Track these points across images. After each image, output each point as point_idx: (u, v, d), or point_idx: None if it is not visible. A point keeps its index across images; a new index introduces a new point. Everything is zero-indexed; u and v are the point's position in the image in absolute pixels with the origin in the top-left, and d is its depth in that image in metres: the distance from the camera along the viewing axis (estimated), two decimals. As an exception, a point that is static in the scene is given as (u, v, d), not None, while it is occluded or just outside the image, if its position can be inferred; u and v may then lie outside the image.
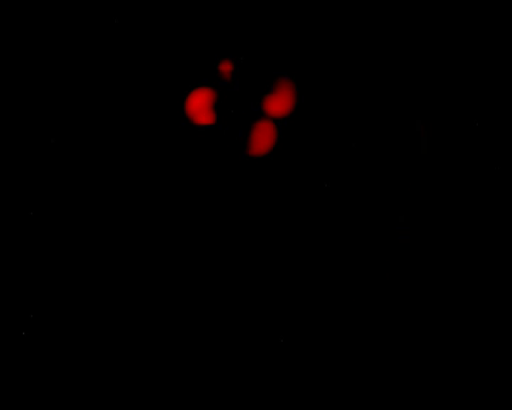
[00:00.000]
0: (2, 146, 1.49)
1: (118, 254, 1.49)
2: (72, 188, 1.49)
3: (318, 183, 1.51)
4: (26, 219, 1.48)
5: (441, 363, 1.47)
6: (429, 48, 1.51)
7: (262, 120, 1.47)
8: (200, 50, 1.52)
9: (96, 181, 1.50)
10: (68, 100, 1.50)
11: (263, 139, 1.46)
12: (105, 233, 1.49)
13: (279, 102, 1.46)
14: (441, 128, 1.50)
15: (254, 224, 1.51)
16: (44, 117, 1.50)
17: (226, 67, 1.37)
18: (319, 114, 1.52)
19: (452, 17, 1.51)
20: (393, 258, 1.50)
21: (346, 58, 1.52)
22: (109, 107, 1.51)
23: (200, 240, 1.50)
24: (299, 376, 1.47)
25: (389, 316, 1.49)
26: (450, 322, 1.47)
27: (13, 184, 1.48)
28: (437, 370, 1.47)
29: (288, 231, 1.51)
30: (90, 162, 1.50)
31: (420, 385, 1.46)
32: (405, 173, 1.50)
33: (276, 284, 1.50)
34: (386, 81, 1.52)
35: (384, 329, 1.48)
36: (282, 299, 1.50)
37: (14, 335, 1.45)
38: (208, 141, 1.49)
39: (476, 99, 1.51)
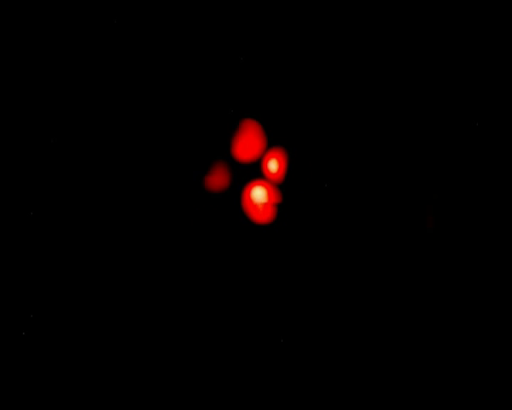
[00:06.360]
0: (3, 146, 1.49)
1: (117, 254, 1.49)
2: (72, 188, 1.49)
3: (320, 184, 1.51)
4: (26, 219, 1.48)
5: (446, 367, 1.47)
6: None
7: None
8: (200, 49, 1.52)
9: (95, 181, 1.50)
10: (68, 100, 1.50)
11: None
12: (105, 233, 1.49)
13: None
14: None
15: (255, 224, 1.51)
16: (44, 117, 1.49)
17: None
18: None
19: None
20: (390, 260, 1.50)
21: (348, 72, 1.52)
22: (109, 107, 1.50)
23: (199, 239, 1.50)
24: (299, 376, 1.47)
25: (388, 316, 1.48)
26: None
27: (13, 184, 1.48)
28: (440, 374, 1.47)
29: (288, 232, 1.51)
30: (89, 162, 1.50)
31: (420, 386, 1.46)
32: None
33: (276, 284, 1.50)
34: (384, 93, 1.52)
35: (383, 329, 1.48)
36: (282, 299, 1.49)
37: (14, 335, 1.45)
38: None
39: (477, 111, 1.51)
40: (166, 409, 1.46)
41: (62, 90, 1.50)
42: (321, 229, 1.51)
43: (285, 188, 1.52)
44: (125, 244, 1.49)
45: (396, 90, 1.51)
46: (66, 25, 1.50)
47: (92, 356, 1.46)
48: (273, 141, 1.52)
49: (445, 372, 1.46)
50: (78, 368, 1.45)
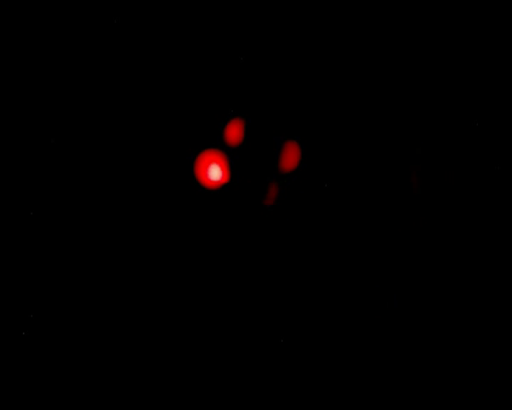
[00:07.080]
0: (3, 146, 1.49)
1: (117, 254, 1.49)
2: (72, 188, 1.49)
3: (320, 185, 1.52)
4: (26, 219, 1.48)
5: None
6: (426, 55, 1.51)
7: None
8: (200, 49, 1.52)
9: (95, 181, 1.50)
10: (68, 100, 1.50)
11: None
12: (104, 233, 1.49)
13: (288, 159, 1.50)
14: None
15: (255, 225, 1.51)
16: (44, 117, 1.50)
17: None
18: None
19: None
20: (388, 260, 1.50)
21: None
22: (109, 107, 1.51)
23: (200, 240, 1.50)
24: (299, 376, 1.47)
25: (388, 318, 1.49)
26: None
27: (13, 184, 1.48)
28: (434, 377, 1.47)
29: (289, 233, 1.51)
30: (89, 162, 1.50)
31: (419, 386, 1.46)
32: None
33: (276, 284, 1.50)
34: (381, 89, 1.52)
35: (383, 329, 1.48)
36: (282, 299, 1.49)
37: (14, 335, 1.45)
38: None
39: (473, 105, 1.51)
40: (166, 409, 1.46)
41: (62, 90, 1.50)
42: (321, 230, 1.51)
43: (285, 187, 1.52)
44: (126, 244, 1.49)
45: (394, 91, 1.52)
46: (67, 25, 1.50)
47: (92, 356, 1.46)
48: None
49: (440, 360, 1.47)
50: (78, 368, 1.45)
